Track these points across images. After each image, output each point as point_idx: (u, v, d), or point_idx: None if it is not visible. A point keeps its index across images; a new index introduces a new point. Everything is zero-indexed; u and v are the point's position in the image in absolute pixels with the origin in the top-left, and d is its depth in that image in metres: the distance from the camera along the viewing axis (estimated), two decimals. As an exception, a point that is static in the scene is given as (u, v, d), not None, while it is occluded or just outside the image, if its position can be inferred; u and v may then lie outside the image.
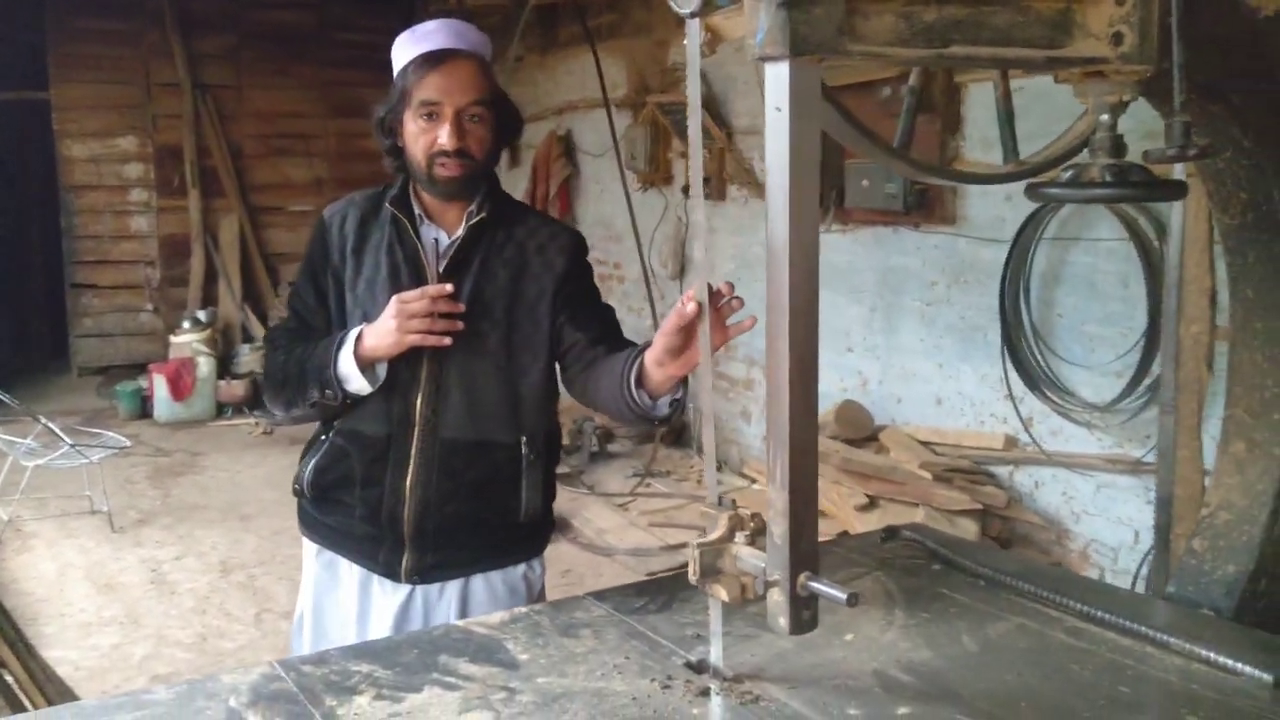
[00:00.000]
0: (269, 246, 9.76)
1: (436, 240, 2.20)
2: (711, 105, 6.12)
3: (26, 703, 3.15)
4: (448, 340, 2.11)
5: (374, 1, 9.69)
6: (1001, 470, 4.61)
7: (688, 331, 1.88)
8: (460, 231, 2.18)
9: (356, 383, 2.13)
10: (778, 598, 1.48)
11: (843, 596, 1.44)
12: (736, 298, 1.84)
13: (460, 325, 2.12)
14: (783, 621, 1.48)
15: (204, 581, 5.07)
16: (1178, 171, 2.04)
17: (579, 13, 6.75)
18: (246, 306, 9.43)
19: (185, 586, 5.01)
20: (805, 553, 1.47)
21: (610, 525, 5.58)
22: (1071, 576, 2.87)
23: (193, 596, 4.90)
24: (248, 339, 9.29)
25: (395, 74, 2.16)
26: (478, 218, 2.18)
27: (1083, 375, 4.27)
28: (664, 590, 2.06)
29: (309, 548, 2.35)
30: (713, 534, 1.62)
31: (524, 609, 2.00)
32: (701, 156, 1.64)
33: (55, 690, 3.35)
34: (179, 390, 8.13)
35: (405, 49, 2.15)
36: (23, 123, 9.65)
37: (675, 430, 6.65)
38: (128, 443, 6.26)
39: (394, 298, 2.09)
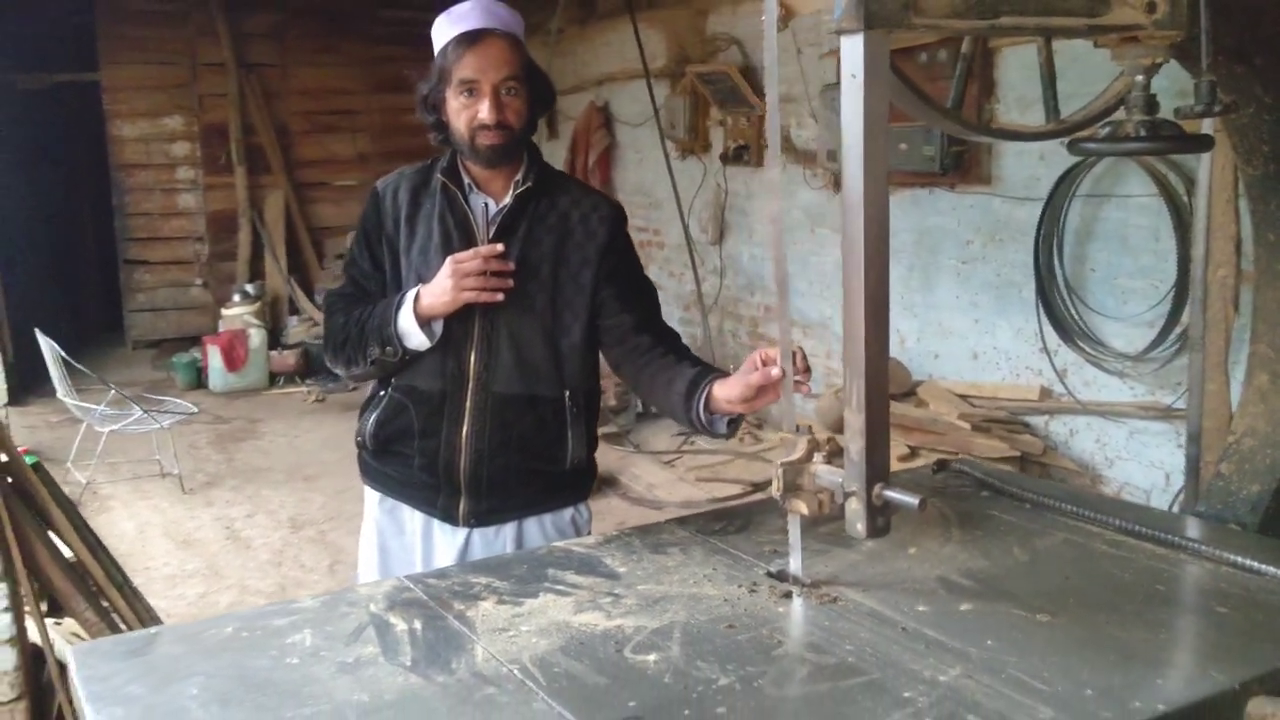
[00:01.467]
0: (314, 221, 10.02)
1: (486, 206, 2.36)
2: (749, 75, 6.29)
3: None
4: (500, 297, 2.28)
5: (415, -22, 9.90)
6: (1037, 420, 4.80)
7: (763, 388, 2.06)
8: (508, 199, 2.35)
9: (416, 339, 2.30)
10: (855, 506, 1.70)
11: (914, 502, 1.66)
12: (806, 369, 2.00)
13: (511, 283, 2.29)
14: (860, 527, 1.70)
15: (277, 537, 5.35)
16: (1205, 127, 2.23)
17: (619, -16, 6.93)
18: (293, 280, 9.70)
19: (259, 542, 5.29)
20: (879, 466, 1.68)
21: (659, 481, 5.81)
22: (1109, 499, 3.08)
23: (268, 550, 5.17)
24: (295, 311, 9.57)
25: (435, 54, 2.32)
26: (524, 186, 2.34)
27: (1115, 327, 4.45)
28: (739, 516, 2.28)
29: (371, 496, 2.54)
30: (793, 455, 1.82)
31: (614, 531, 2.23)
32: (778, 127, 1.84)
33: (159, 631, 3.61)
34: (233, 361, 8.41)
35: (443, 30, 2.31)
36: (74, 104, 9.92)
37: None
38: (195, 409, 6.55)
39: (449, 258, 2.26)
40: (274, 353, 8.72)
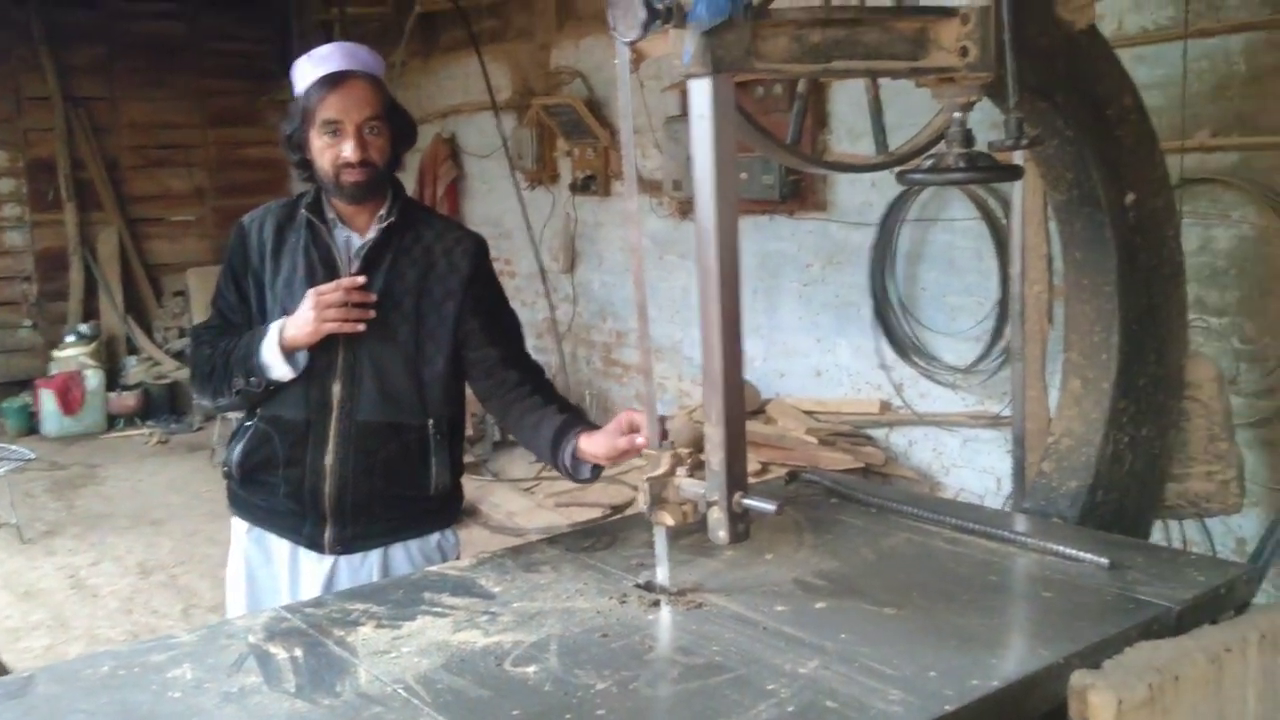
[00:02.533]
0: (150, 257, 9.72)
1: (349, 241, 2.44)
2: (594, 107, 6.45)
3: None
4: (361, 327, 2.36)
5: (248, 11, 9.77)
6: (878, 432, 5.06)
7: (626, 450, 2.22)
8: (372, 233, 2.42)
9: (279, 370, 2.37)
10: (717, 515, 1.82)
11: (771, 507, 1.80)
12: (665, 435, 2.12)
13: (372, 314, 2.37)
14: (722, 534, 1.82)
15: (125, 584, 5.19)
16: (1017, 157, 2.45)
17: (462, 19, 6.98)
18: (130, 319, 9.39)
19: (107, 589, 5.13)
20: (738, 476, 1.81)
21: (518, 508, 5.87)
22: (946, 500, 3.29)
23: (116, 598, 5.02)
24: (133, 351, 9.26)
25: (298, 95, 2.39)
26: (388, 220, 2.43)
27: (946, 342, 4.73)
28: (606, 532, 2.39)
29: (238, 525, 2.56)
30: (658, 470, 1.93)
31: (487, 553, 2.30)
32: (634, 167, 1.96)
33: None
34: (69, 404, 8.10)
35: (305, 72, 2.38)
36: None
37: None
38: (32, 454, 6.29)
39: (310, 290, 2.34)
40: (112, 394, 8.43)
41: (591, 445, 2.29)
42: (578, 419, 2.39)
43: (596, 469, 2.36)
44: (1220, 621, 1.93)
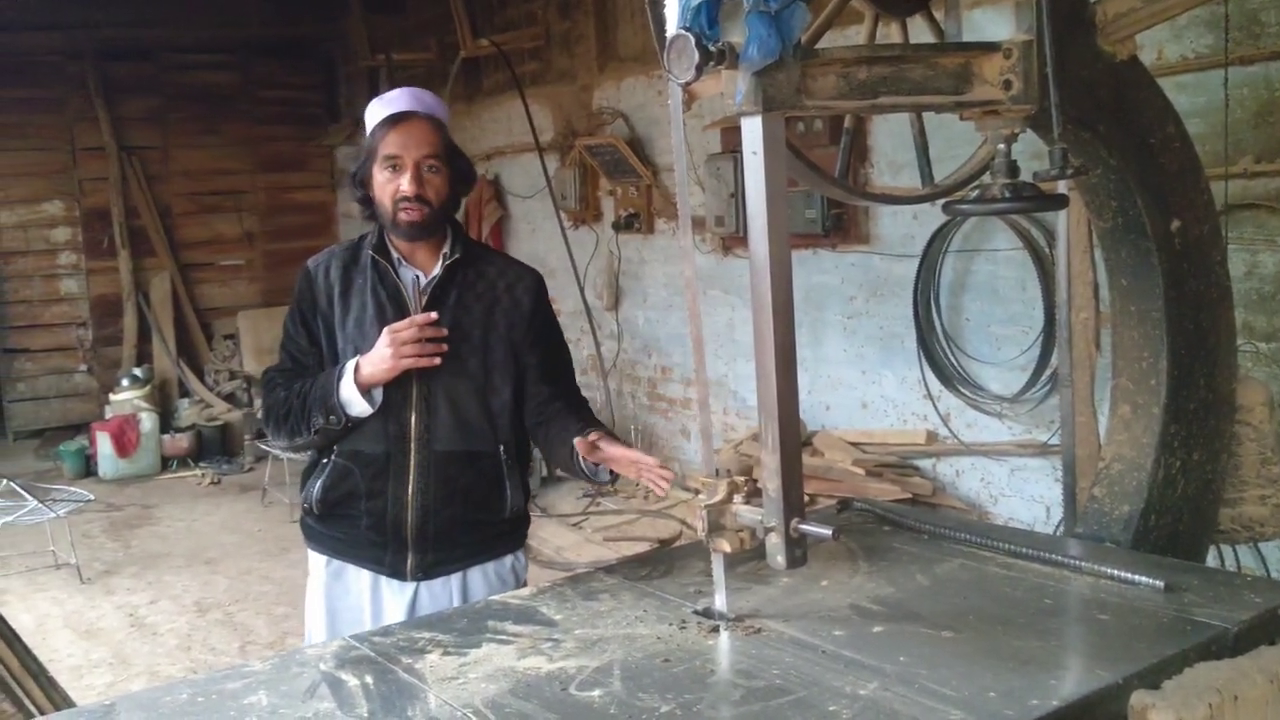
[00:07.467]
0: (201, 302, 9.95)
1: (416, 279, 2.54)
2: (636, 146, 6.54)
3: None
4: (437, 361, 2.45)
5: (297, 59, 10.02)
6: (925, 463, 5.06)
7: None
8: (438, 270, 2.53)
9: (358, 406, 2.46)
10: (775, 540, 1.86)
11: (827, 533, 1.83)
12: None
13: (446, 348, 2.47)
14: (780, 559, 1.86)
15: (183, 622, 5.28)
16: (1061, 186, 2.48)
17: (505, 62, 7.12)
18: (182, 362, 9.58)
19: (165, 627, 5.22)
20: (794, 502, 1.85)
21: (567, 543, 5.91)
22: (998, 526, 3.30)
23: (175, 636, 5.10)
24: (185, 394, 9.43)
25: (366, 136, 2.53)
26: (453, 258, 2.53)
27: (991, 371, 4.74)
28: (663, 561, 2.43)
29: (316, 560, 2.65)
30: (715, 498, 1.97)
31: (546, 583, 2.35)
32: (689, 203, 2.02)
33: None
34: (124, 447, 8.25)
35: (374, 113, 2.52)
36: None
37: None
38: (91, 496, 6.42)
39: (385, 329, 2.44)
40: (166, 436, 8.59)
41: (610, 449, 2.40)
42: (599, 425, 2.50)
43: (614, 474, 2.47)
44: (1278, 642, 1.94)
